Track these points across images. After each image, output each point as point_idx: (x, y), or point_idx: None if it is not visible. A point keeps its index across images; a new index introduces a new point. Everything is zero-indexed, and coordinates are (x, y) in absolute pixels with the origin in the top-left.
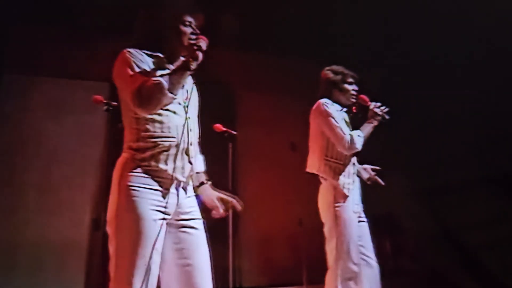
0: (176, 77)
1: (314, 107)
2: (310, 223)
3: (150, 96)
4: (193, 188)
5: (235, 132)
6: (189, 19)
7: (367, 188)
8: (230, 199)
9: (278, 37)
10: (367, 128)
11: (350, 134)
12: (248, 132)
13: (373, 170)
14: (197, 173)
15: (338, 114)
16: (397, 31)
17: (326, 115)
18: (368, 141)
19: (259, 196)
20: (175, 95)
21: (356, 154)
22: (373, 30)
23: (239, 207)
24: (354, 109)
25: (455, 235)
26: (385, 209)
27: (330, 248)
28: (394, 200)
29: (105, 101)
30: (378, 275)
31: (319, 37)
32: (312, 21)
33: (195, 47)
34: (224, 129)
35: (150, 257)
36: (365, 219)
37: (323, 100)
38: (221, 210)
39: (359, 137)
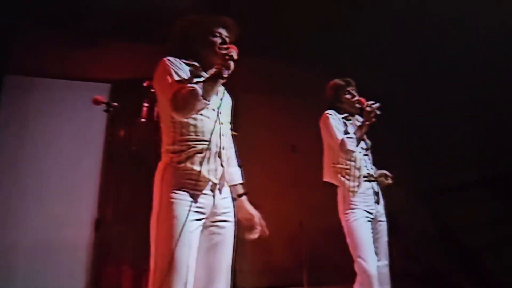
0: (209, 84)
1: (320, 119)
2: (311, 224)
3: (186, 101)
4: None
5: (236, 134)
6: (220, 30)
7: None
8: (256, 221)
9: (279, 40)
10: (361, 128)
11: (342, 138)
12: (249, 134)
13: (385, 175)
14: (234, 185)
15: (339, 122)
16: (398, 32)
17: (326, 124)
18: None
19: (259, 197)
20: (209, 101)
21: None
22: (373, 31)
23: (266, 232)
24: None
25: (456, 236)
26: (386, 210)
27: (352, 252)
28: (394, 201)
29: (105, 101)
30: (388, 278)
31: (320, 40)
32: (313, 25)
33: (227, 57)
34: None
35: (188, 260)
36: (383, 221)
37: (327, 112)
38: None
39: (350, 139)
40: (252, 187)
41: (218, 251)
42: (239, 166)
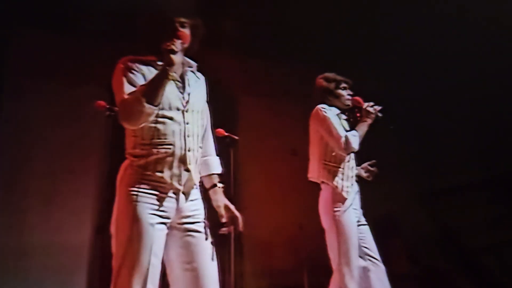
0: (152, 87)
1: (312, 113)
2: (311, 227)
3: (130, 110)
4: (210, 186)
5: (236, 137)
6: (182, 20)
7: (368, 191)
8: (236, 212)
9: (279, 42)
10: (362, 127)
11: (346, 135)
12: (250, 137)
13: (369, 165)
14: (210, 174)
15: (335, 118)
16: (398, 32)
17: (324, 119)
18: (369, 144)
19: (260, 200)
20: (156, 105)
21: (357, 157)
22: (373, 33)
23: (240, 226)
24: (357, 114)
25: (456, 237)
26: (386, 212)
27: (332, 253)
28: (395, 203)
29: (107, 106)
30: (386, 275)
31: (320, 43)
32: (313, 27)
33: (166, 51)
34: (226, 134)
35: (148, 261)
36: (365, 222)
37: (320, 106)
38: (223, 219)
39: (354, 137)
40: (253, 190)
41: (196, 251)
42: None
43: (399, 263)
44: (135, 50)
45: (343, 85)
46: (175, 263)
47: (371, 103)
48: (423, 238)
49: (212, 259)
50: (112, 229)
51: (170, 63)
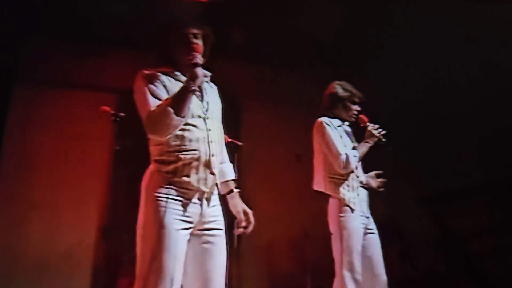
0: (179, 100)
1: (314, 125)
2: (315, 233)
3: (158, 122)
4: (221, 195)
5: (240, 143)
6: (195, 31)
7: (369, 195)
8: (251, 217)
9: (283, 48)
10: (363, 148)
11: (346, 154)
12: (253, 143)
13: (376, 175)
14: (226, 181)
15: (336, 131)
16: (400, 37)
17: (324, 134)
18: (371, 148)
19: (264, 206)
20: (183, 117)
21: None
22: (376, 37)
23: (249, 229)
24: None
25: (458, 242)
26: (388, 217)
27: (336, 257)
28: (397, 208)
29: (112, 112)
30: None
31: (324, 50)
32: (318, 34)
33: (191, 65)
34: (230, 140)
35: (174, 267)
36: (375, 231)
37: (322, 119)
38: (243, 224)
39: (354, 157)
40: (256, 196)
41: (211, 260)
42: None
43: (401, 267)
44: (144, 58)
45: (355, 99)
46: (189, 268)
47: (376, 126)
48: (424, 242)
49: (222, 267)
50: (138, 234)
51: (195, 77)
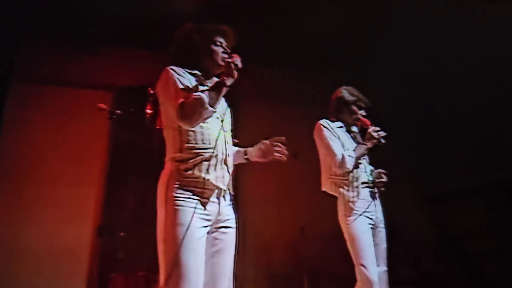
0: (214, 92)
1: (314, 128)
2: (312, 231)
3: (193, 110)
4: (244, 159)
5: (237, 141)
6: (220, 39)
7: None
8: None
9: (281, 48)
10: (361, 149)
11: (342, 154)
12: (251, 141)
13: (378, 173)
14: (237, 152)
15: (334, 133)
16: (399, 37)
17: (321, 136)
18: (371, 149)
19: (261, 204)
20: (215, 109)
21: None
22: (375, 37)
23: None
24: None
25: (457, 242)
26: (386, 217)
27: (353, 259)
28: (394, 208)
29: (109, 109)
30: (386, 281)
31: (321, 49)
32: (315, 33)
33: (232, 66)
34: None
35: (197, 265)
36: (383, 228)
37: (321, 121)
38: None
39: (350, 157)
40: (254, 194)
41: (221, 257)
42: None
43: (399, 268)
44: (141, 56)
45: (361, 104)
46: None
47: (377, 128)
48: (423, 243)
49: (231, 261)
50: (160, 236)
51: (234, 76)
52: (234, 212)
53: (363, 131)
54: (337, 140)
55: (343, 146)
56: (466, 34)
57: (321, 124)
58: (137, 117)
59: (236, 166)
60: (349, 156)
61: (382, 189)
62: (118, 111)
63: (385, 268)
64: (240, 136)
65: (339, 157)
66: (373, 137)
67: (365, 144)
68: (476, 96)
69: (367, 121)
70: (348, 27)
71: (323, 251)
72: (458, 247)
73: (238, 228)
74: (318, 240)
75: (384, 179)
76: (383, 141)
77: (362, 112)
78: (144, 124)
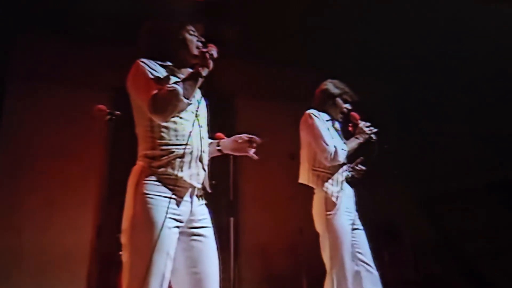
0: (189, 83)
1: (302, 119)
2: (310, 232)
3: (167, 102)
4: (217, 151)
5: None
6: (192, 28)
7: (367, 197)
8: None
9: (278, 46)
10: (353, 143)
11: (334, 146)
12: None
13: (357, 163)
14: (210, 144)
15: (324, 124)
16: (398, 36)
17: (312, 126)
18: (368, 150)
19: (259, 205)
20: (191, 101)
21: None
22: (373, 36)
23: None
24: (350, 128)
25: (456, 243)
26: (385, 218)
27: (325, 257)
28: (394, 209)
29: (108, 110)
30: (379, 281)
31: (318, 47)
32: (312, 31)
33: (207, 55)
34: (225, 138)
35: (165, 265)
36: (360, 227)
37: (310, 111)
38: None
39: (343, 151)
40: (251, 194)
41: (203, 259)
42: None
43: (399, 269)
44: (138, 55)
45: (346, 97)
46: (179, 266)
47: (368, 124)
48: (423, 243)
49: (215, 264)
50: (126, 233)
51: (208, 66)
52: (210, 212)
53: (345, 127)
54: (327, 131)
55: (333, 139)
56: (466, 34)
57: (312, 113)
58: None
59: (233, 168)
60: (342, 149)
61: (359, 177)
62: (117, 112)
63: (376, 273)
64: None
65: (332, 149)
66: (364, 132)
67: (357, 139)
68: (476, 96)
69: (357, 115)
70: (347, 24)
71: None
72: (458, 247)
73: (236, 231)
74: (317, 241)
75: (362, 168)
76: (374, 137)
77: (347, 106)
78: None
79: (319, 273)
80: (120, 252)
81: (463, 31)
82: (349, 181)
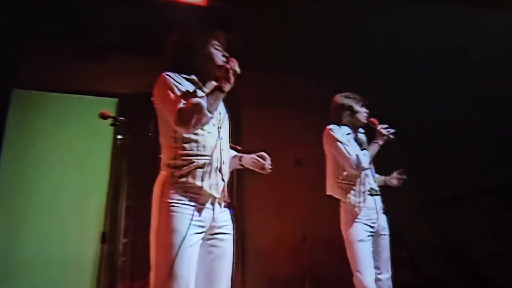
0: (212, 98)
1: (323, 134)
2: (314, 237)
3: (191, 116)
4: (239, 165)
5: (240, 148)
6: (217, 43)
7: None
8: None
9: (283, 54)
10: (373, 147)
11: (356, 154)
12: (253, 148)
13: (398, 173)
14: (233, 157)
15: (345, 137)
16: (398, 42)
17: (333, 139)
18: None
19: (263, 210)
20: (213, 115)
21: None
22: (375, 43)
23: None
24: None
25: (457, 246)
26: (388, 221)
27: (351, 263)
28: (396, 212)
29: (112, 116)
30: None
31: (322, 55)
32: (317, 39)
33: (230, 71)
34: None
35: (189, 271)
36: (385, 235)
37: (330, 126)
38: (263, 162)
39: (365, 156)
40: (256, 201)
41: (218, 264)
42: None
43: (401, 272)
44: (145, 63)
45: (361, 103)
46: (198, 270)
47: (385, 126)
48: (424, 247)
49: (228, 270)
50: (153, 241)
51: (230, 82)
52: (232, 219)
53: (371, 138)
54: (349, 143)
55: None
56: (467, 37)
57: (332, 128)
58: (141, 124)
59: (239, 175)
60: (364, 155)
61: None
62: (122, 118)
63: (388, 275)
64: (242, 143)
65: (354, 157)
66: (382, 134)
67: (376, 142)
68: (477, 99)
69: (375, 121)
70: (349, 31)
71: (326, 258)
72: (459, 251)
73: (241, 236)
74: (321, 247)
75: (403, 177)
76: (392, 137)
77: (365, 110)
78: (148, 131)
79: (323, 278)
80: (123, 258)
81: (464, 33)
82: (372, 193)
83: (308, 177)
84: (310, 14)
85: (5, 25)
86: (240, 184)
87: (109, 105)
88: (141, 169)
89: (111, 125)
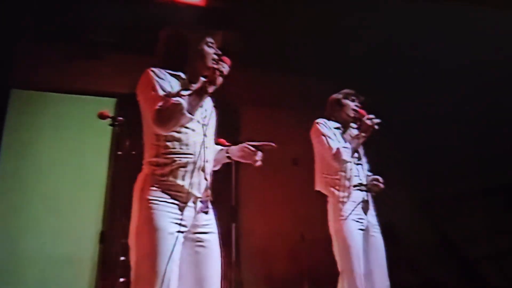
0: (194, 99)
1: (312, 128)
2: (312, 236)
3: (170, 116)
4: (226, 158)
5: (227, 143)
6: (211, 40)
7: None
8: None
9: (281, 53)
10: (355, 139)
11: (337, 147)
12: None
13: (373, 179)
14: (220, 151)
15: (331, 130)
16: (398, 40)
17: (318, 133)
18: (368, 152)
19: (261, 210)
20: (193, 116)
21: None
22: (373, 40)
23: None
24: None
25: (455, 246)
26: (386, 221)
27: (337, 261)
28: (394, 212)
29: (110, 116)
30: None
31: (321, 54)
32: (314, 39)
33: (217, 72)
34: (228, 144)
35: (168, 268)
36: (376, 234)
37: (318, 120)
38: (253, 149)
39: (345, 149)
40: (254, 199)
41: (206, 265)
42: None
43: (399, 272)
44: (143, 62)
45: (352, 97)
46: (183, 270)
47: (371, 116)
48: (422, 247)
49: (217, 269)
50: (132, 239)
51: (215, 83)
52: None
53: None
54: (334, 137)
55: (339, 142)
56: (466, 37)
57: (318, 122)
58: (140, 124)
59: (236, 173)
60: (344, 147)
61: (374, 193)
62: (121, 118)
63: (388, 283)
64: (241, 141)
65: (334, 149)
66: (368, 126)
67: (359, 134)
68: (476, 99)
69: (363, 112)
70: (348, 31)
71: (323, 256)
72: (458, 251)
73: (238, 235)
74: (318, 246)
75: (381, 185)
76: (376, 127)
77: (356, 104)
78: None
79: (321, 277)
80: (123, 257)
81: (464, 34)
82: (360, 188)
83: (305, 176)
84: (310, 14)
85: (2, 24)
86: (237, 183)
87: (108, 105)
88: (140, 169)
89: (110, 125)
